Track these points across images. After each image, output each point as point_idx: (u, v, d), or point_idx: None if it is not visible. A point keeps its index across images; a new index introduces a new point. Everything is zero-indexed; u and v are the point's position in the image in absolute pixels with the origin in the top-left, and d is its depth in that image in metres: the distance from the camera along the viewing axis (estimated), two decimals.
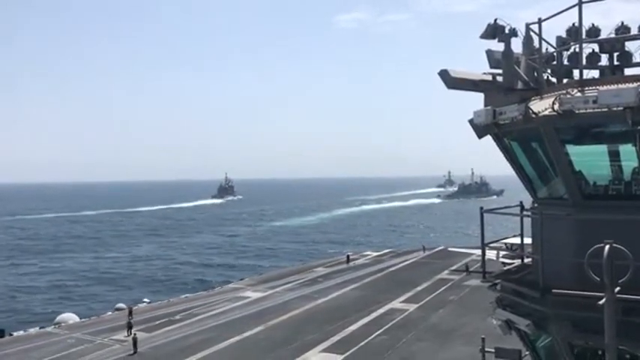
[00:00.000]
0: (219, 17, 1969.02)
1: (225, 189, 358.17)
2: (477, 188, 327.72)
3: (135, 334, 41.95)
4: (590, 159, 13.22)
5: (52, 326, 49.14)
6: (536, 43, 13.42)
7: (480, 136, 14.13)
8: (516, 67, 13.32)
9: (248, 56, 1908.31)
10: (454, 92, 13.84)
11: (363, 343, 40.23)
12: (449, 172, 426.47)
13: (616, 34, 12.95)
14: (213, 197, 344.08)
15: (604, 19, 13.31)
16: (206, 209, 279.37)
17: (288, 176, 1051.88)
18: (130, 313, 49.32)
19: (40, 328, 49.35)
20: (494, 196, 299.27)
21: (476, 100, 13.91)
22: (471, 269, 62.54)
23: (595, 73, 13.48)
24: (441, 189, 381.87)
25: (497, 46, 13.34)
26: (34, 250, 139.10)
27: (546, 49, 13.76)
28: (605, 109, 10.93)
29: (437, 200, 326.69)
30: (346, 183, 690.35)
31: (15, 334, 47.66)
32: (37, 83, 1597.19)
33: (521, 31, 13.34)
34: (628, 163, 12.51)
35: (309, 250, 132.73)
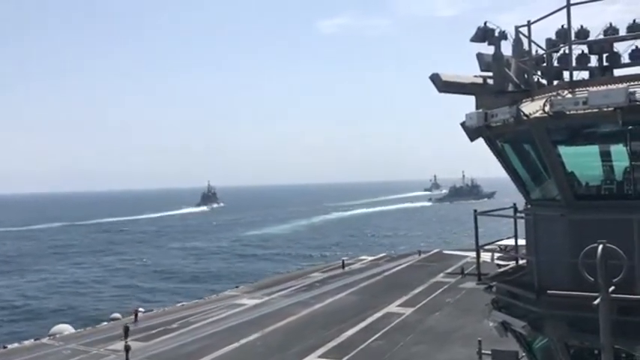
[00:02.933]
0: (207, 21, 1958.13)
1: (208, 197, 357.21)
2: (468, 191, 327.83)
3: (127, 342, 41.56)
4: (582, 160, 13.28)
5: (47, 337, 48.71)
6: (525, 46, 13.51)
7: (472, 139, 14.19)
8: (507, 70, 13.40)
9: (241, 57, 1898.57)
10: (445, 96, 13.93)
11: (360, 348, 40.14)
12: (434, 176, 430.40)
13: (604, 35, 13.06)
14: (198, 205, 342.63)
15: (590, 22, 13.42)
16: (195, 217, 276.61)
17: (277, 183, 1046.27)
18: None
19: (35, 339, 48.91)
20: (486, 199, 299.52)
21: (467, 103, 14.00)
22: (467, 272, 62.55)
23: (585, 75, 13.56)
24: (428, 192, 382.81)
25: (488, 49, 13.44)
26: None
27: (536, 51, 13.85)
28: (596, 110, 11.00)
29: (428, 203, 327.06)
30: (338, 188, 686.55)
31: (9, 346, 47.20)
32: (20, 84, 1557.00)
33: (511, 33, 13.43)
34: (619, 163, 12.61)
35: (289, 261, 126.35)
